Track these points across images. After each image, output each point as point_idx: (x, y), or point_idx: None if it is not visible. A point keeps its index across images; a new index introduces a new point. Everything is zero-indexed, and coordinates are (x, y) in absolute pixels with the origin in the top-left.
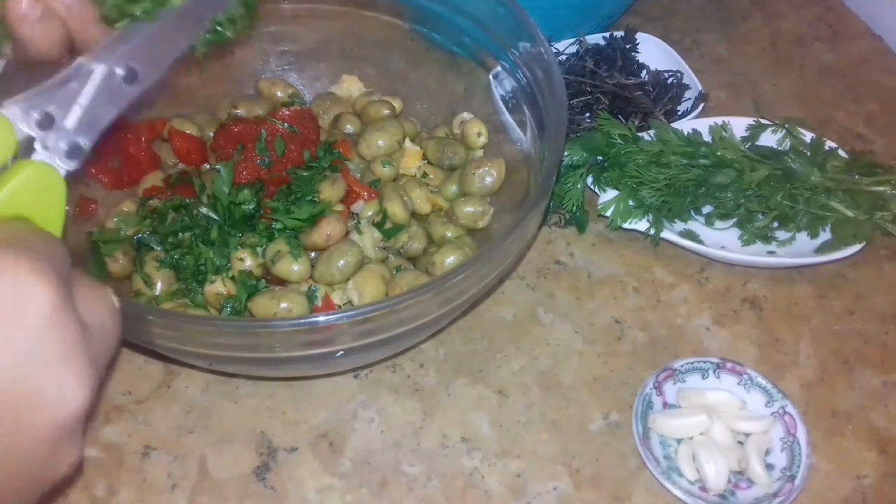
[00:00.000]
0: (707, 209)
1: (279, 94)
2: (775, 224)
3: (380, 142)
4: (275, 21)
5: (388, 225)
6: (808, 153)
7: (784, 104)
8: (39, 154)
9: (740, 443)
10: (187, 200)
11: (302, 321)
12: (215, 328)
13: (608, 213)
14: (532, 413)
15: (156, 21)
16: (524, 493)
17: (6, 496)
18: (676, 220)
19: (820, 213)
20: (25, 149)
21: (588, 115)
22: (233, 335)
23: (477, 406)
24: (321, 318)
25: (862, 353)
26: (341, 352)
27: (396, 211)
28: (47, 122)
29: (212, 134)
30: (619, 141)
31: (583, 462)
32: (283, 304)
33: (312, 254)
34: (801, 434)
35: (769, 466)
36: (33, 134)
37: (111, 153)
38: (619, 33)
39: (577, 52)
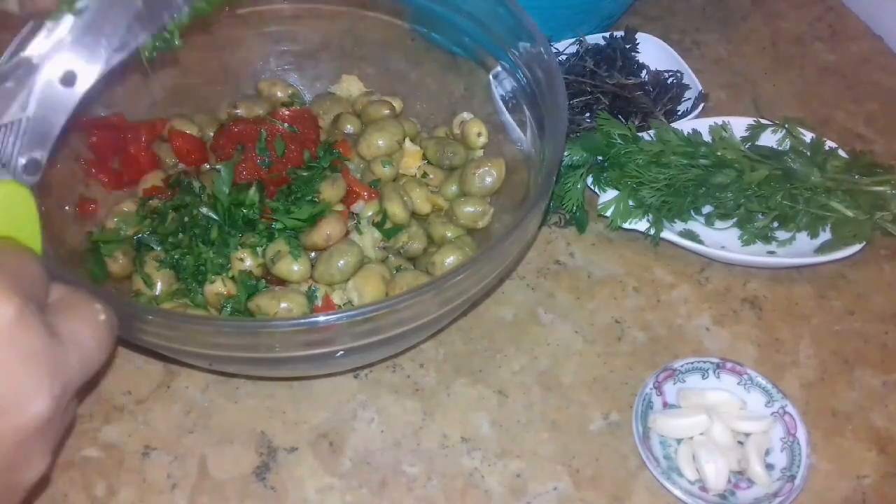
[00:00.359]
0: (707, 209)
1: (279, 94)
2: (775, 224)
3: (380, 142)
4: (275, 21)
5: (388, 225)
6: (808, 153)
7: (784, 104)
8: (1, 174)
9: (740, 443)
10: (187, 200)
11: (302, 321)
12: (215, 328)
13: (608, 213)
14: (532, 413)
15: (79, 16)
16: (524, 493)
17: None
18: (676, 220)
19: (820, 213)
20: None
21: (588, 115)
22: (233, 335)
23: (477, 406)
24: (321, 318)
25: (862, 353)
26: (341, 352)
27: (396, 211)
28: None
29: (212, 134)
30: (619, 141)
31: (583, 462)
32: (283, 304)
33: (312, 254)
34: (801, 434)
35: (769, 466)
36: None
37: (111, 153)
38: (619, 33)
39: (577, 52)
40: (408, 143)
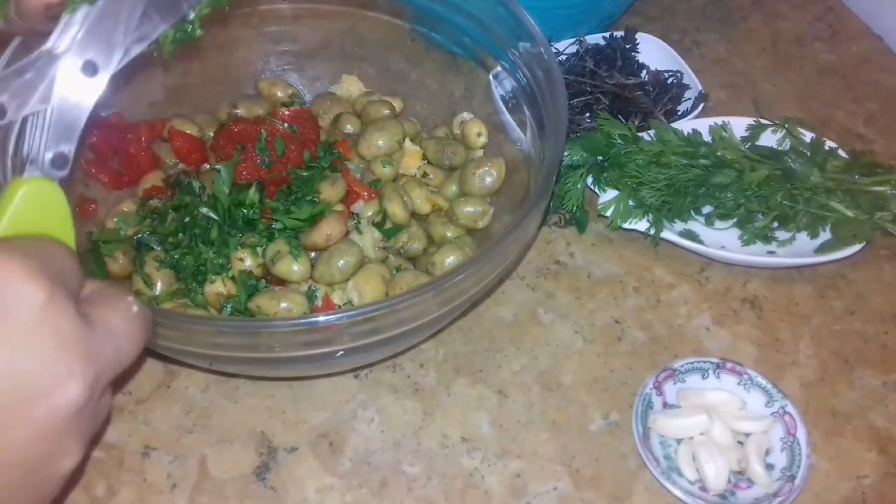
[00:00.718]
0: (707, 209)
1: (279, 94)
2: (775, 224)
3: (380, 142)
4: (275, 21)
5: (388, 225)
6: (808, 153)
7: (784, 104)
8: (28, 171)
9: (740, 443)
10: (187, 200)
11: (302, 321)
12: (215, 328)
13: (608, 213)
14: (532, 413)
15: (93, 4)
16: (524, 493)
17: (12, 494)
18: (676, 220)
19: (820, 213)
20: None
21: (588, 115)
22: (233, 335)
23: (477, 406)
24: (321, 318)
25: (862, 353)
26: (341, 352)
27: (396, 211)
28: None
29: (212, 134)
30: (619, 141)
31: (583, 462)
32: (283, 304)
33: (312, 254)
34: (801, 434)
35: (769, 466)
36: None
37: (111, 153)
38: (619, 33)
39: (577, 52)
40: (408, 143)
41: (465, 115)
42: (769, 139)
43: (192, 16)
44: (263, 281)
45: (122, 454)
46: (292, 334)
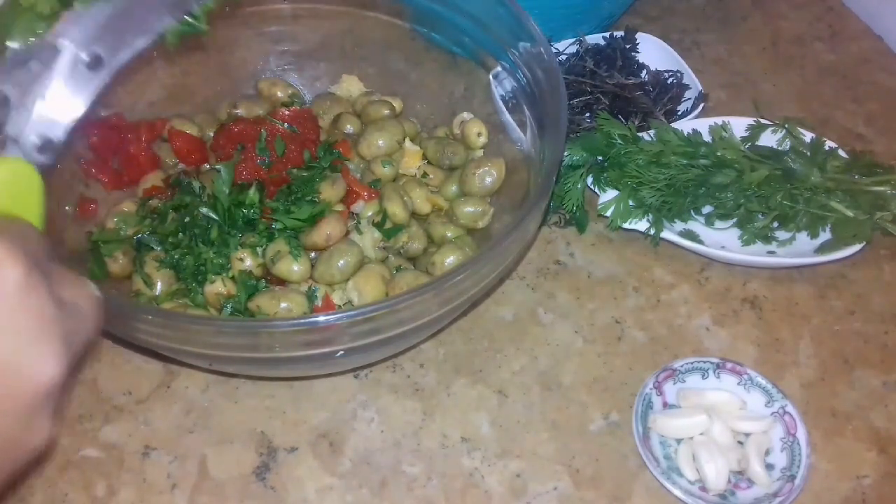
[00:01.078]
0: (707, 209)
1: (279, 94)
2: (775, 224)
3: (380, 142)
4: (275, 21)
5: (388, 225)
6: (808, 153)
7: (784, 104)
8: (11, 150)
9: (740, 443)
10: (187, 200)
11: (302, 321)
12: (215, 328)
13: (608, 213)
14: (532, 413)
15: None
16: (524, 493)
17: None
18: (676, 220)
19: (820, 213)
20: None
21: (588, 115)
22: (233, 335)
23: (477, 406)
24: (321, 318)
25: (862, 353)
26: (341, 352)
27: (396, 211)
28: (1, 103)
29: (212, 134)
30: (619, 141)
31: (583, 462)
32: (283, 304)
33: (312, 254)
34: (801, 434)
35: (769, 466)
36: None
37: (111, 153)
38: (619, 33)
39: (577, 52)
40: (408, 143)
41: (465, 115)
42: (769, 139)
43: (197, 10)
44: (263, 281)
45: (122, 454)
46: (292, 334)
